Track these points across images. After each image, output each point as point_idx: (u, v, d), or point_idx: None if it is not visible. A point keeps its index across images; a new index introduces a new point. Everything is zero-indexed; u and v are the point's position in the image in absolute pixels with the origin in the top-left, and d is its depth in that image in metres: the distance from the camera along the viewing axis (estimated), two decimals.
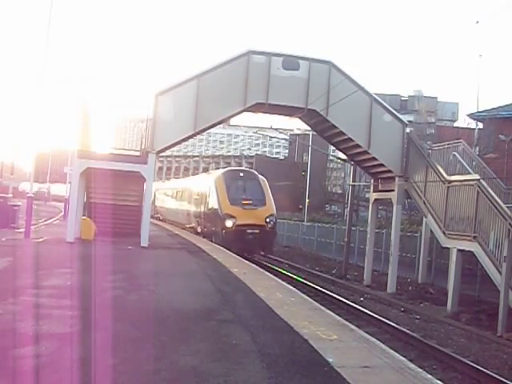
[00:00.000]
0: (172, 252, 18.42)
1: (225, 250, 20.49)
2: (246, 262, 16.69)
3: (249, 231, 23.55)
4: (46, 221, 30.49)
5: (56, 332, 6.67)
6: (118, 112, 20.14)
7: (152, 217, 41.36)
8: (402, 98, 62.57)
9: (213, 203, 25.34)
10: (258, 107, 20.00)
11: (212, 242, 24.02)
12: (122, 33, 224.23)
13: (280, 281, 13.11)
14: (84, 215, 20.13)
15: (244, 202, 24.27)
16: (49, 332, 6.64)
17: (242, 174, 26.45)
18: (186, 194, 33.07)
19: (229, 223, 23.61)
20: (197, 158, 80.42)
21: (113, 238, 17.89)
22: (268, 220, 24.28)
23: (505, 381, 9.92)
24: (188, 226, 31.41)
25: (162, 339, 6.73)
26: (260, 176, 26.84)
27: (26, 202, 19.85)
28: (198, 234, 28.26)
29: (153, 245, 18.74)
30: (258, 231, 23.70)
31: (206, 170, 60.33)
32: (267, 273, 14.28)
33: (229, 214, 23.78)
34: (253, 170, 27.73)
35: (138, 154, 19.69)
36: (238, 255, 19.22)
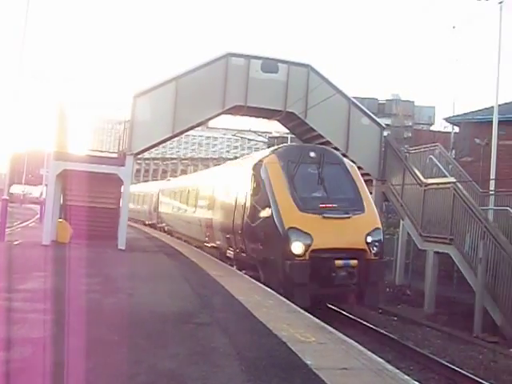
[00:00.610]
0: (150, 255, 18.28)
1: (203, 252, 19.84)
2: (225, 264, 16.60)
3: (338, 263, 12.79)
4: (21, 223, 30.07)
5: (31, 336, 6.58)
6: (96, 113, 19.91)
7: (154, 226, 34.44)
8: (380, 102, 62.99)
9: (261, 208, 14.21)
10: (236, 109, 19.99)
11: (260, 281, 13.41)
12: (100, 33, 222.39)
13: (258, 283, 13.09)
14: (60, 218, 19.90)
15: (324, 206, 13.55)
16: (23, 336, 6.54)
17: (313, 154, 14.68)
18: (205, 195, 21.13)
19: (297, 247, 12.73)
20: (175, 161, 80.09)
21: (89, 241, 17.69)
22: (370, 240, 13.39)
23: (480, 381, 10.04)
24: (209, 245, 19.57)
25: (140, 343, 6.66)
26: (345, 159, 16.10)
27: (1, 204, 19.54)
28: (226, 259, 16.96)
29: (130, 247, 18.56)
30: (355, 262, 13.01)
31: (184, 172, 59.93)
32: (245, 276, 14.23)
33: (297, 229, 12.92)
34: (331, 149, 16.48)
35: (115, 155, 19.53)
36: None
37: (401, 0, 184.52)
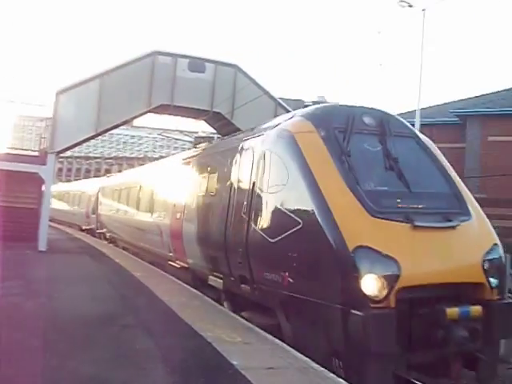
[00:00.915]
0: (72, 256, 17.78)
1: (129, 254, 19.55)
2: (149, 265, 16.34)
3: (452, 312, 6.62)
4: None
5: None
6: (16, 110, 19.26)
7: (90, 232, 28.67)
8: (306, 104, 64.15)
9: (290, 211, 7.83)
10: (162, 108, 19.78)
11: (276, 335, 7.83)
12: (22, 28, 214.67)
13: (184, 284, 12.99)
14: None
15: (409, 208, 7.37)
16: None
17: (369, 120, 8.36)
18: (170, 191, 14.53)
19: (373, 284, 6.47)
20: (99, 160, 78.39)
21: (8, 243, 16.93)
22: (489, 266, 7.27)
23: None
24: (178, 264, 13.38)
25: (62, 347, 6.47)
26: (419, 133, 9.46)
27: None
28: (206, 289, 11.19)
29: (52, 249, 17.99)
30: (478, 310, 6.84)
31: (108, 171, 58.57)
32: (170, 276, 14.07)
33: (371, 250, 6.68)
34: (394, 114, 9.50)
35: (36, 154, 18.90)
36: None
37: (328, 4, 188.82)
